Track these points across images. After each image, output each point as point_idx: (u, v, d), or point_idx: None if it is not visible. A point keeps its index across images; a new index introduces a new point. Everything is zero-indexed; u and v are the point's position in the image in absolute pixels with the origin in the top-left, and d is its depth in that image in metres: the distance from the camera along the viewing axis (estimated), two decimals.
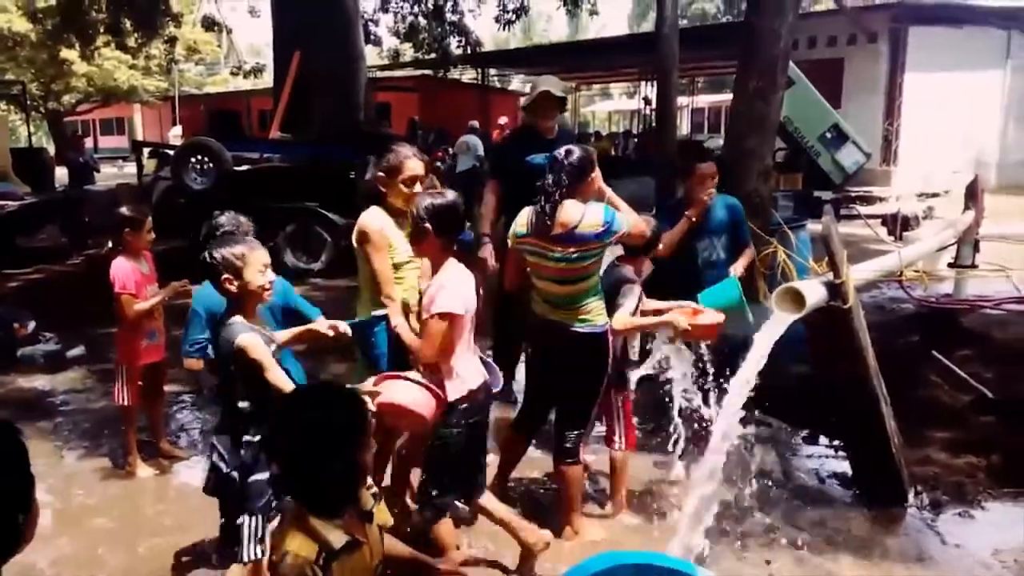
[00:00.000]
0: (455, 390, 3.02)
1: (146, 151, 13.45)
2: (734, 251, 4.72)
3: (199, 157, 10.03)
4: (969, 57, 17.69)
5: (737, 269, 4.51)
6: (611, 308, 3.63)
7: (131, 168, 16.70)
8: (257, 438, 2.76)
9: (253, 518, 2.81)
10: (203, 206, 10.02)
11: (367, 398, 2.58)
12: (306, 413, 1.92)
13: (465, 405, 3.05)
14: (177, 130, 23.41)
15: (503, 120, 16.96)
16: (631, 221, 3.52)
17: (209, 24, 24.43)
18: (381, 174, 3.43)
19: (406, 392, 2.82)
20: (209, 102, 31.81)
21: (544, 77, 5.05)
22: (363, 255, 3.51)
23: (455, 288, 2.85)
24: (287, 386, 2.69)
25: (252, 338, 2.73)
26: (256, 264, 2.78)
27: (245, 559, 2.82)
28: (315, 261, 9.98)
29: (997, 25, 18.21)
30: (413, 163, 3.44)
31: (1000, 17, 18.13)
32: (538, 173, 3.55)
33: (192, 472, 4.60)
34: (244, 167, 10.75)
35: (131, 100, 33.01)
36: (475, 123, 16.18)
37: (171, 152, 11.21)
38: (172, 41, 21.97)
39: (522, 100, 5.20)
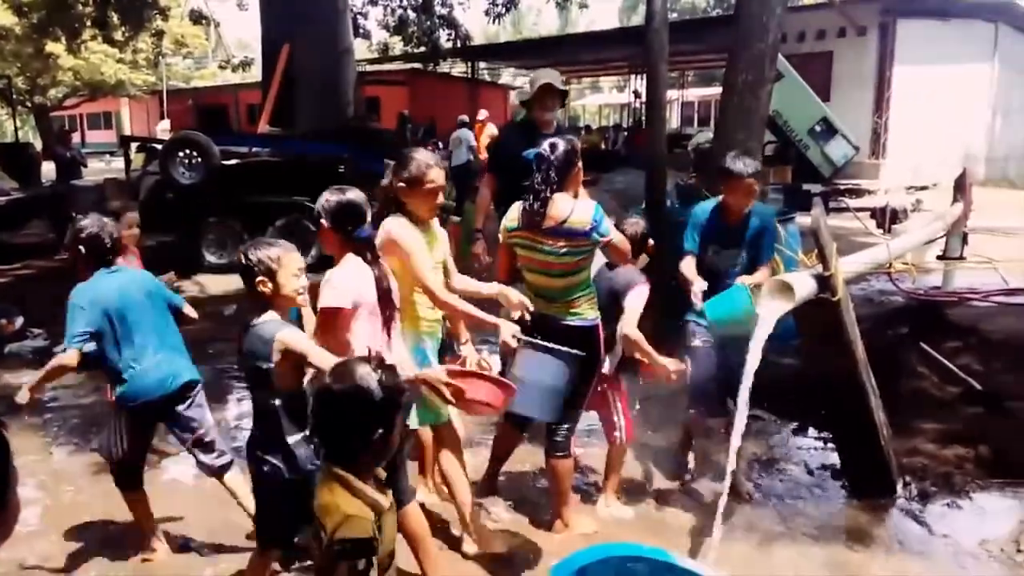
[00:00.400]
0: None
1: (134, 146, 13.38)
2: (752, 265, 4.16)
3: (187, 152, 9.97)
4: (957, 50, 17.75)
5: (746, 280, 3.93)
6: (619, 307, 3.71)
7: (119, 163, 16.58)
8: (299, 436, 2.79)
9: None
10: (192, 201, 10.02)
11: (444, 387, 2.79)
12: (359, 381, 1.98)
13: None
14: (165, 124, 23.22)
15: (483, 115, 16.64)
16: (617, 238, 3.54)
17: (197, 17, 24.30)
18: (402, 184, 3.26)
19: (487, 392, 2.98)
20: (197, 96, 31.64)
21: (544, 71, 4.92)
22: (399, 266, 3.25)
23: (340, 284, 2.87)
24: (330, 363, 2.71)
25: (292, 331, 2.76)
26: (291, 268, 2.82)
27: None
28: (306, 255, 9.84)
29: (984, 18, 18.29)
30: (435, 173, 3.27)
31: (987, 10, 18.21)
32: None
33: (180, 467, 4.59)
34: (233, 161, 10.70)
35: (118, 94, 32.70)
36: (464, 117, 16.07)
37: (159, 147, 11.14)
38: (159, 35, 21.84)
39: (513, 94, 5.03)
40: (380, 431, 1.97)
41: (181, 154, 9.96)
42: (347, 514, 1.90)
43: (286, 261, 2.81)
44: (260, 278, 2.77)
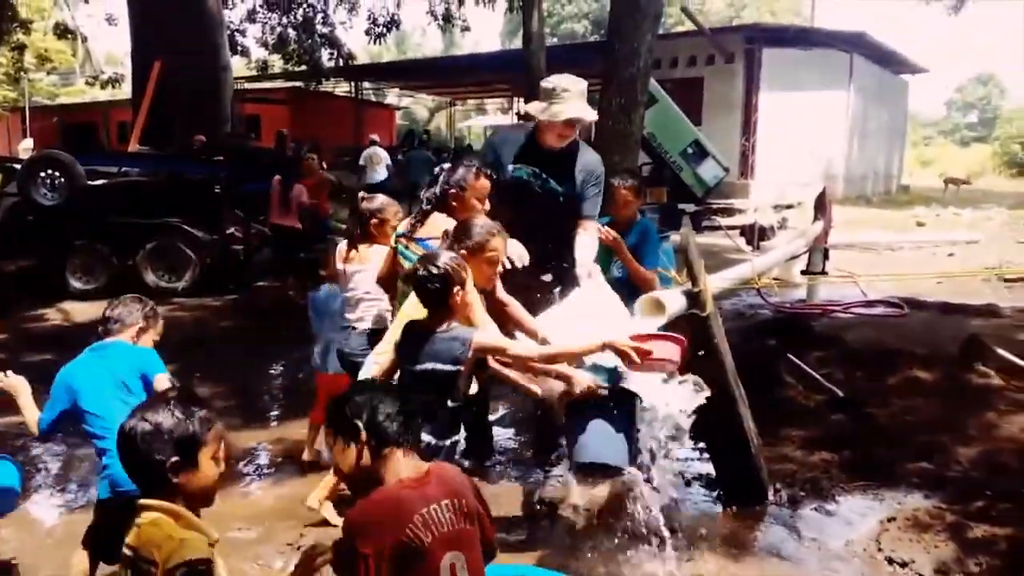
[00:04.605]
0: None
1: None
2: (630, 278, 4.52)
3: (49, 171, 9.47)
4: (817, 78, 18.89)
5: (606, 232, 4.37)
6: None
7: None
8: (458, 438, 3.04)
9: None
10: (55, 223, 9.50)
11: (631, 350, 2.85)
12: (155, 418, 1.92)
13: None
14: (28, 143, 21.93)
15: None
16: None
17: (62, 32, 23.07)
18: (463, 251, 3.16)
19: (669, 350, 3.06)
20: (64, 114, 30.06)
21: (571, 88, 3.96)
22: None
23: None
24: (535, 350, 3.01)
25: (485, 332, 2.94)
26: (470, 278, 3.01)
27: None
28: (179, 280, 9.58)
29: (840, 48, 19.53)
30: (497, 242, 3.24)
31: (843, 41, 19.45)
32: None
33: None
34: (100, 181, 10.20)
35: None
36: (376, 136, 16.19)
37: (18, 166, 10.53)
38: (20, 49, 20.67)
39: (533, 108, 4.04)
40: (175, 459, 1.90)
41: (43, 174, 9.46)
42: (181, 538, 1.83)
43: (466, 275, 2.94)
44: (457, 287, 2.86)
